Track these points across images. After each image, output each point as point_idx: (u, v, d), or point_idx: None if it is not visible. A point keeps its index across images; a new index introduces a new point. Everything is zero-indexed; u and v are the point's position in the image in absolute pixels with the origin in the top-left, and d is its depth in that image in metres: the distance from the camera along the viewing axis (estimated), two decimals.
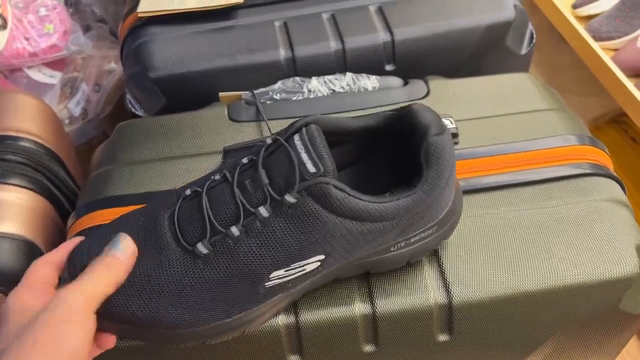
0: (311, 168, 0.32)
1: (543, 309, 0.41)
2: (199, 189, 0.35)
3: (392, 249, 0.37)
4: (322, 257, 0.34)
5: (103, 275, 0.31)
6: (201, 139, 0.49)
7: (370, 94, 0.51)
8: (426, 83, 0.52)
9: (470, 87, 0.52)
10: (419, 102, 0.36)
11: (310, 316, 0.39)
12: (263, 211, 0.32)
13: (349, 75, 0.53)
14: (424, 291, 0.39)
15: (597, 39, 0.88)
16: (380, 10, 0.57)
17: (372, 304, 0.39)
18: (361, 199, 0.32)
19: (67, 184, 0.54)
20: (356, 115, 0.38)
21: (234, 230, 0.33)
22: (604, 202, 0.44)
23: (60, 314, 0.29)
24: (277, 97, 0.52)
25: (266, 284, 0.34)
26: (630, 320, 0.44)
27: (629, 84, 0.82)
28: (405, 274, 0.40)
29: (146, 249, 0.34)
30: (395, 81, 0.53)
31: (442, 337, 0.41)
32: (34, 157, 0.52)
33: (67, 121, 0.73)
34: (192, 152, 0.48)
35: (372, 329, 0.40)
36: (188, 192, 0.35)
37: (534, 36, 0.60)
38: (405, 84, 0.53)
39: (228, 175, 0.34)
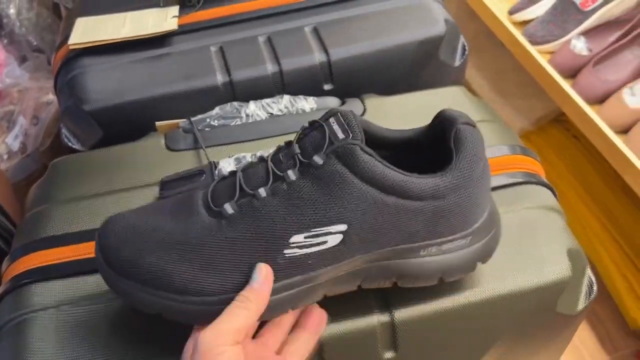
0: (341, 135, 0.33)
1: (484, 317, 0.41)
2: (235, 170, 0.37)
3: (421, 252, 0.37)
4: (344, 227, 0.34)
5: (234, 312, 0.33)
6: (138, 171, 0.49)
7: (308, 115, 0.52)
8: (362, 101, 0.53)
9: (404, 103, 0.53)
10: None
11: None
12: (291, 174, 0.34)
13: (286, 97, 0.53)
14: (366, 310, 0.40)
15: (534, 43, 0.91)
16: (316, 31, 0.57)
17: None
18: (388, 167, 0.33)
19: (3, 224, 0.53)
20: (390, 129, 0.38)
21: (261, 191, 0.34)
22: (537, 209, 0.45)
23: (200, 353, 0.32)
24: (215, 123, 0.52)
25: (286, 252, 0.34)
26: (568, 321, 0.45)
27: (565, 85, 0.85)
28: (347, 294, 0.40)
29: (178, 217, 0.35)
30: (333, 101, 0.54)
31: (388, 355, 0.41)
32: None
33: (5, 156, 0.71)
34: (129, 186, 0.47)
35: (318, 352, 0.40)
36: (225, 173, 0.37)
37: (466, 48, 0.62)
38: (343, 103, 0.54)
39: (265, 155, 0.36)
